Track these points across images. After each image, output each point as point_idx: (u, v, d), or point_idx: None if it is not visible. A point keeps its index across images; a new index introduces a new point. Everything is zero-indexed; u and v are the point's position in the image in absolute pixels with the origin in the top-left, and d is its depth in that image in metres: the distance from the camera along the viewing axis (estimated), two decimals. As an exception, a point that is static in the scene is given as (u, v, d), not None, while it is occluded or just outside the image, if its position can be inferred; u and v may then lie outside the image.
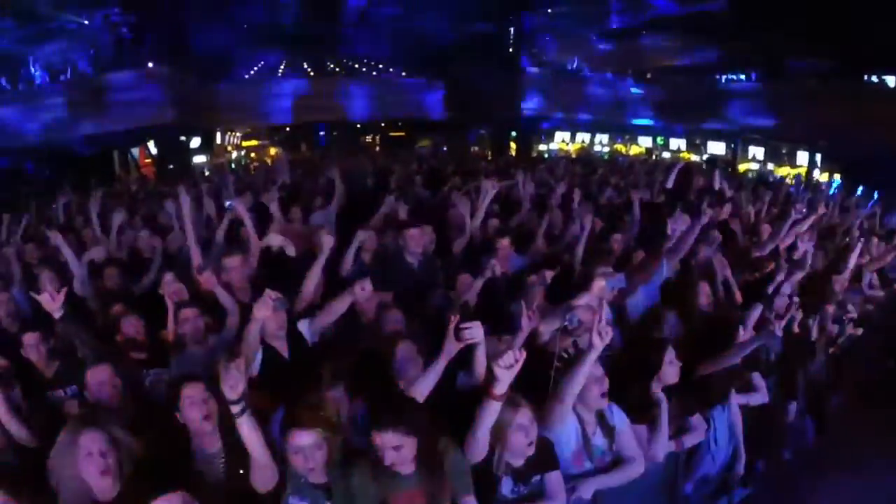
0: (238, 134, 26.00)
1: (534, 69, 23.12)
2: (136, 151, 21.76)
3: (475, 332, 3.02)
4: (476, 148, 27.20)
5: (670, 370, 3.54)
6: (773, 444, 4.53)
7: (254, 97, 21.78)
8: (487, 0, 22.21)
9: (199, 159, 22.48)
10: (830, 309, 5.27)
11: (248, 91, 22.08)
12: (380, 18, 22.36)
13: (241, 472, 2.77)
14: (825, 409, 5.26)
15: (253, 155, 26.18)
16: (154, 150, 21.84)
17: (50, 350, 4.01)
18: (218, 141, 24.65)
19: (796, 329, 4.78)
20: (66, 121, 17.74)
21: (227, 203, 5.84)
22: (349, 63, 25.50)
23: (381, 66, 25.32)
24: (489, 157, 22.02)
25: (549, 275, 4.64)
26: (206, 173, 20.13)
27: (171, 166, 20.42)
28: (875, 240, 6.97)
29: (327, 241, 4.41)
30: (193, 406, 2.91)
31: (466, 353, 3.17)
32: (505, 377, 2.64)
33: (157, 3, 19.43)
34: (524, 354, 2.65)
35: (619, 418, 3.33)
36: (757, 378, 4.29)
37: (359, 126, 27.16)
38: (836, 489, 4.60)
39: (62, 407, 3.70)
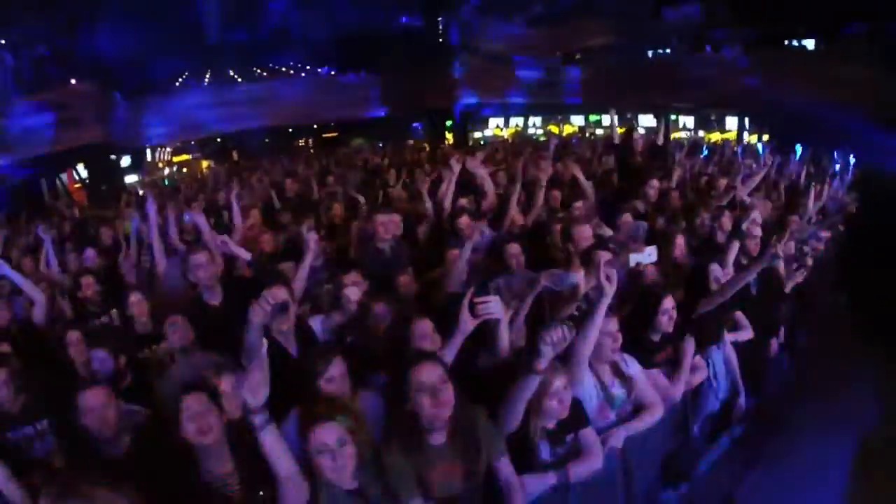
0: (168, 149, 25.19)
1: (466, 57, 23.36)
2: (64, 176, 20.85)
3: (492, 306, 3.04)
4: (411, 141, 27.25)
5: (664, 319, 3.78)
6: (759, 379, 4.83)
7: (182, 109, 21.19)
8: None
9: (130, 179, 21.71)
10: (791, 248, 5.66)
11: (176, 103, 21.45)
12: (304, 18, 21.96)
13: (261, 493, 2.50)
14: (796, 344, 5.65)
15: (185, 170, 25.44)
16: (84, 173, 20.95)
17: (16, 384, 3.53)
18: (148, 158, 23.84)
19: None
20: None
21: (186, 216, 5.73)
22: (275, 67, 25.07)
23: (308, 67, 25.01)
24: (425, 149, 22.12)
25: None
26: (141, 193, 19.58)
27: (104, 188, 19.64)
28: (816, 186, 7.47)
29: (312, 238, 4.47)
30: (194, 419, 2.61)
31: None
32: (549, 353, 2.63)
33: (74, 18, 18.61)
34: (574, 332, 2.66)
35: (633, 367, 3.51)
36: (741, 316, 4.60)
37: (290, 130, 26.81)
38: (816, 419, 5.00)
39: (30, 448, 3.35)
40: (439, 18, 24.19)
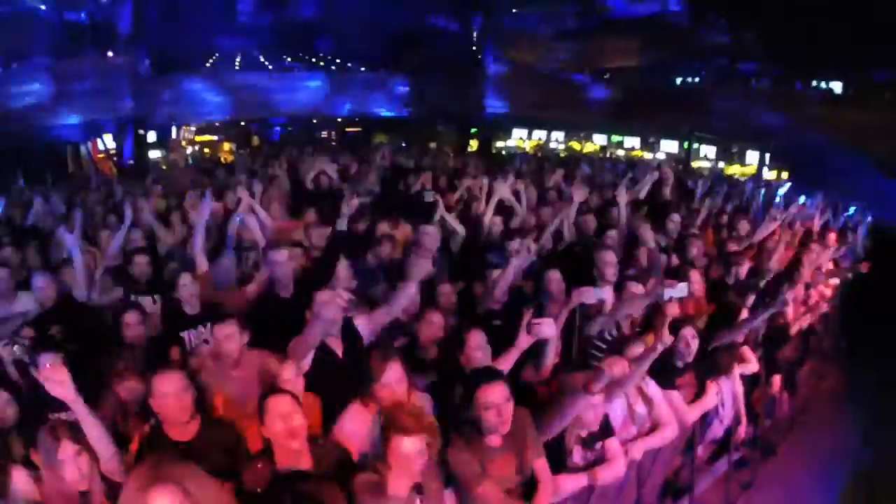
0: (192, 128, 25.49)
1: (497, 67, 23.52)
2: (90, 145, 21.19)
3: (546, 328, 3.41)
4: (434, 144, 27.47)
5: (684, 347, 4.20)
6: (759, 410, 5.23)
7: (211, 90, 21.32)
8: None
9: (154, 154, 22.07)
10: (800, 294, 6.04)
11: (206, 83, 21.52)
12: (340, 10, 22.10)
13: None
14: (796, 381, 6.05)
15: (207, 150, 25.75)
16: (112, 144, 21.30)
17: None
18: (173, 135, 24.15)
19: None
20: (21, 112, 17.09)
21: (237, 216, 5.69)
22: (306, 57, 25.23)
23: (338, 60, 25.26)
24: (450, 154, 22.38)
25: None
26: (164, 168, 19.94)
27: (131, 162, 20.03)
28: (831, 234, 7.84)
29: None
30: (279, 419, 2.71)
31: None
32: (606, 380, 2.98)
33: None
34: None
35: (653, 389, 3.93)
36: (747, 351, 5.00)
37: (314, 121, 27.10)
38: (807, 450, 5.44)
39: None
40: (473, 23, 24.27)
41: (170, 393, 2.99)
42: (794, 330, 5.81)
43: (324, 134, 29.08)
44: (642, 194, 7.68)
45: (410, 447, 2.50)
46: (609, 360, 3.05)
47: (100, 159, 21.29)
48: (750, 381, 4.97)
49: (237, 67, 23.65)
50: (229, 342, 3.57)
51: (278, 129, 26.98)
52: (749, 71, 20.34)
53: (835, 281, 7.22)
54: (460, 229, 6.24)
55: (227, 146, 26.18)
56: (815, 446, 5.50)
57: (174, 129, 24.18)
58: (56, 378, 2.53)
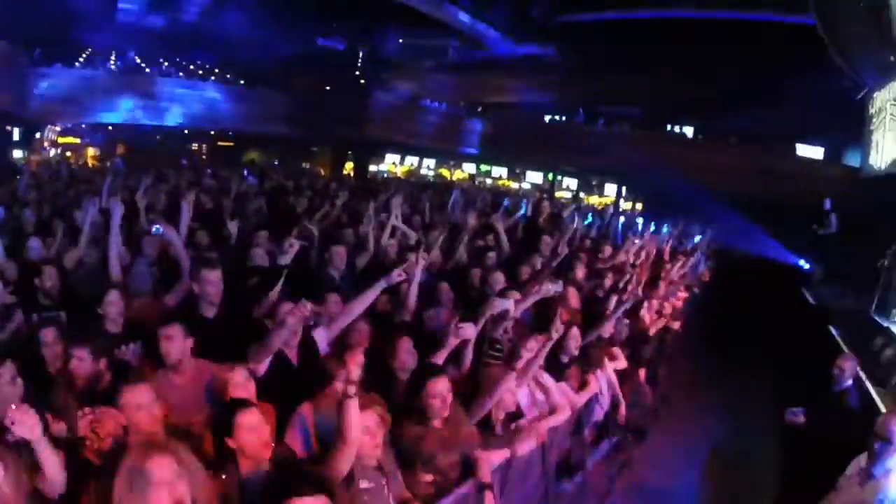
0: (57, 129, 23.66)
1: (380, 93, 24.25)
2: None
3: (468, 331, 4.06)
4: (308, 165, 27.45)
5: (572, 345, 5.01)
6: (630, 399, 6.14)
7: (88, 90, 19.86)
8: (340, 19, 22.69)
9: (18, 154, 20.31)
10: (655, 304, 7.16)
11: (84, 83, 19.96)
12: (224, 22, 21.42)
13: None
14: (657, 375, 7.13)
15: (69, 154, 23.99)
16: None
17: None
18: (37, 135, 22.22)
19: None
20: None
21: (154, 227, 5.58)
22: (187, 65, 24.46)
23: (216, 70, 24.68)
24: (322, 175, 22.57)
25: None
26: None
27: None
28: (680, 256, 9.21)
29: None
30: (249, 432, 2.83)
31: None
32: (526, 356, 3.87)
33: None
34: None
35: (548, 380, 4.69)
36: (616, 350, 5.91)
37: (186, 132, 26.17)
38: (672, 432, 6.51)
39: None
40: (360, 50, 24.85)
41: (143, 405, 2.95)
42: (652, 332, 6.87)
43: (194, 146, 28.25)
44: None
45: (370, 420, 2.94)
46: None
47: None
48: (620, 376, 5.87)
49: (112, 67, 22.25)
50: (171, 344, 3.49)
51: (159, 137, 25.63)
52: (612, 114, 22.60)
53: (684, 294, 8.52)
54: (371, 247, 6.62)
55: (90, 151, 24.68)
56: (677, 429, 6.58)
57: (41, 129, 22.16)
58: (26, 423, 2.42)
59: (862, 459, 3.65)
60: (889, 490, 3.42)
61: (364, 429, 2.92)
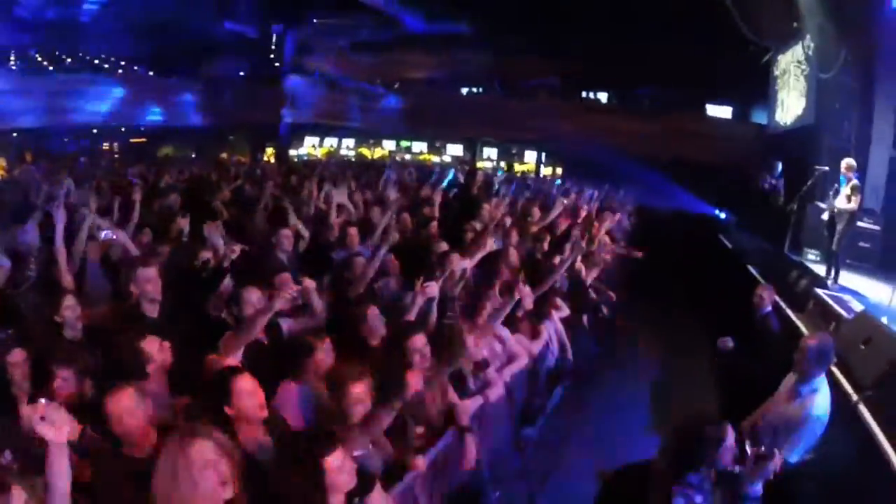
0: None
1: (295, 76, 23.86)
2: None
3: (433, 289, 4.46)
4: (225, 155, 26.74)
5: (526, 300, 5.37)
6: (576, 345, 6.57)
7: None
8: (250, 2, 22.16)
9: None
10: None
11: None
12: (131, 12, 20.43)
13: None
14: (597, 321, 7.62)
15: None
16: None
17: None
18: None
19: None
20: None
21: (104, 233, 5.47)
22: (89, 58, 23.21)
23: (123, 62, 23.57)
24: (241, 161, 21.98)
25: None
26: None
27: None
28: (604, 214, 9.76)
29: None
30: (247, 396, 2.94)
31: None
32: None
33: None
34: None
35: (505, 332, 5.03)
36: (559, 300, 6.32)
37: (95, 131, 24.99)
38: (617, 375, 7.00)
39: None
40: (272, 32, 24.23)
41: (130, 408, 2.94)
42: (588, 283, 7.35)
43: (105, 145, 27.00)
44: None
45: (358, 390, 3.17)
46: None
47: None
48: (565, 324, 6.29)
49: (12, 67, 20.86)
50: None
51: (67, 139, 24.26)
52: (529, 84, 23.12)
53: (612, 248, 9.08)
54: (305, 233, 6.76)
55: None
56: (622, 373, 7.11)
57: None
58: (58, 420, 2.22)
59: (791, 378, 3.99)
60: (814, 407, 3.75)
61: (357, 399, 3.15)
